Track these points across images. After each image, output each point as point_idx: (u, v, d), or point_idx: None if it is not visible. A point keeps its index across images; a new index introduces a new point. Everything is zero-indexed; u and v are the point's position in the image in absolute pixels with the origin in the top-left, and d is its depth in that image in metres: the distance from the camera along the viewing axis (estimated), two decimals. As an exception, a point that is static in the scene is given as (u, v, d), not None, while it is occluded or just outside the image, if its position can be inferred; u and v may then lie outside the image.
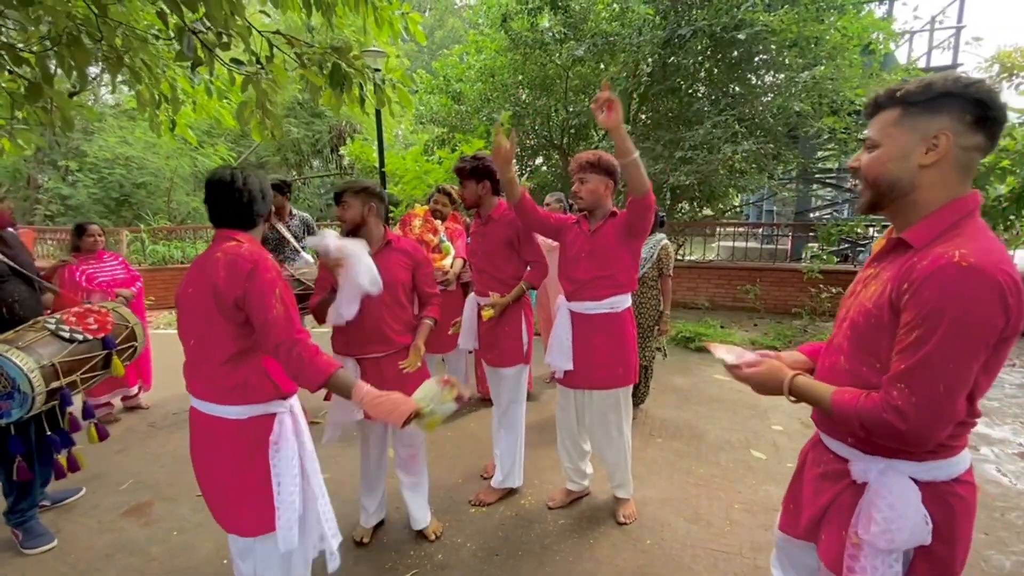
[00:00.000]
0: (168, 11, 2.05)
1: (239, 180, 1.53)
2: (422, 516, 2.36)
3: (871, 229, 6.76)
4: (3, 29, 2.60)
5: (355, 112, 2.88)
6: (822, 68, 5.70)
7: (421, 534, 2.37)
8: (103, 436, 2.35)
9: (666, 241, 3.50)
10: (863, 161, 1.05)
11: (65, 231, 10.23)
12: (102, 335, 2.23)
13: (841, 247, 8.05)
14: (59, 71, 2.74)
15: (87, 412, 2.34)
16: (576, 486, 2.62)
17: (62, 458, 2.34)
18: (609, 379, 2.28)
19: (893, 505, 0.98)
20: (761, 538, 2.33)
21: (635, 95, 7.54)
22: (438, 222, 3.76)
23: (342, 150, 12.28)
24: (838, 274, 6.29)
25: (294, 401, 1.60)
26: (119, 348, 2.30)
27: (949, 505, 1.01)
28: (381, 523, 2.44)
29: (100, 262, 3.53)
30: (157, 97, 3.01)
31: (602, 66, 7.85)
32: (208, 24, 2.15)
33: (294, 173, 12.60)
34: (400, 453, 2.31)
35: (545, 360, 2.40)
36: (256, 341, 1.48)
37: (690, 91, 7.12)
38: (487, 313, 2.36)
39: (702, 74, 7.17)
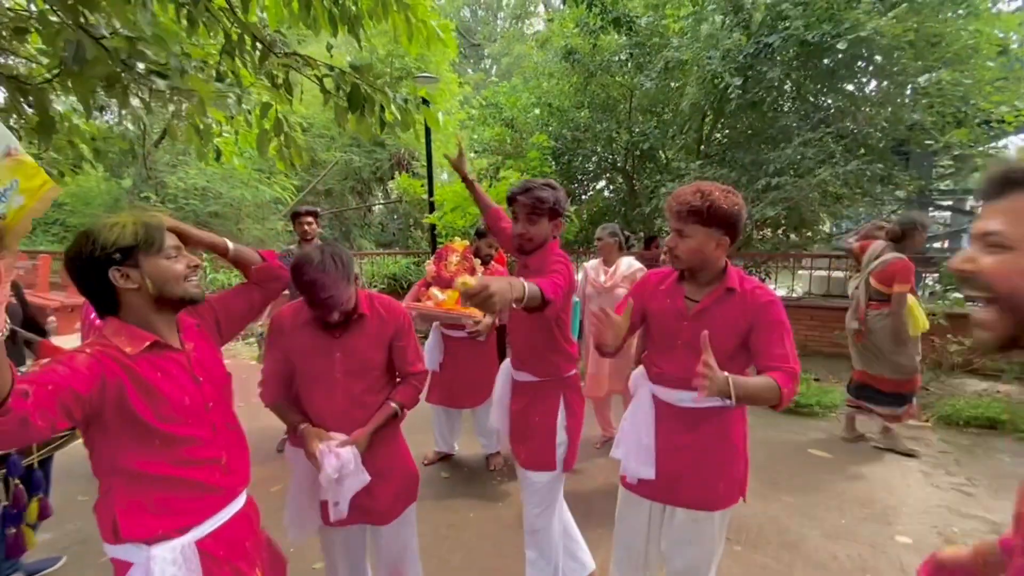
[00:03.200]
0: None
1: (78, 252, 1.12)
2: None
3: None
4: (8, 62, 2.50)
5: (409, 140, 2.57)
6: (946, 72, 4.72)
7: None
8: (44, 515, 2.01)
9: (639, 267, 2.94)
10: (986, 265, 0.68)
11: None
12: None
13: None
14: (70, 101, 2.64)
15: (35, 484, 2.02)
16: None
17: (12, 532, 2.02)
18: (705, 497, 1.56)
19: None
20: None
21: (708, 112, 6.85)
22: (477, 261, 3.30)
23: (391, 184, 12.38)
24: (967, 319, 5.12)
25: (160, 553, 1.15)
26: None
27: None
28: None
29: None
30: (198, 126, 2.86)
31: (672, 84, 7.25)
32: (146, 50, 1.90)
33: (359, 200, 12.86)
34: (380, 571, 1.81)
35: (613, 454, 1.68)
36: (110, 462, 1.17)
37: (775, 106, 6.30)
38: (461, 283, 1.23)
39: (786, 86, 6.33)
